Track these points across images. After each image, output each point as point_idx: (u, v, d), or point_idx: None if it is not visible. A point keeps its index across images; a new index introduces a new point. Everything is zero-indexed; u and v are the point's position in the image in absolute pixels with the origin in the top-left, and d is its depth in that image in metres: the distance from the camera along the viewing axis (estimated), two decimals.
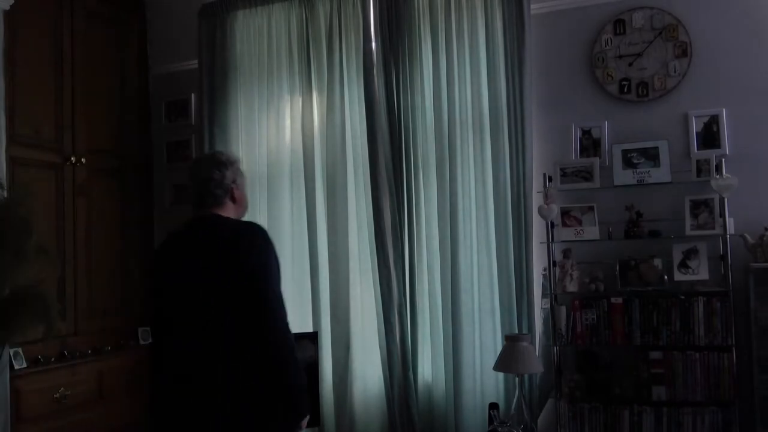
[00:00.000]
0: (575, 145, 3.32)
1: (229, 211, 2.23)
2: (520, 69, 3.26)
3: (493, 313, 3.32)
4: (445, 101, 3.42)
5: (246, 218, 3.45)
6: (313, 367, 3.24)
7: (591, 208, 3.16)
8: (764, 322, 2.83)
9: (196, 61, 4.01)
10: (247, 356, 2.02)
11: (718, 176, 2.96)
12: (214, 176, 2.19)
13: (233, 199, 2.25)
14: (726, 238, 2.96)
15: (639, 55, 3.25)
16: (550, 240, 3.20)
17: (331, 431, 3.56)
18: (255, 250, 2.08)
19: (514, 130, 3.26)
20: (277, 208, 3.78)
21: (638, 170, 3.12)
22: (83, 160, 3.72)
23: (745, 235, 2.93)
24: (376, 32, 3.56)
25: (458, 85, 3.42)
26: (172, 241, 2.26)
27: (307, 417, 2.14)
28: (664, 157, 3.11)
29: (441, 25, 3.46)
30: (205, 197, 2.19)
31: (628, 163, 3.16)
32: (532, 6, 3.31)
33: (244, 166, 3.88)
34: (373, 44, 3.58)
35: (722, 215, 2.96)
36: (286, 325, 2.07)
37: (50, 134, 3.57)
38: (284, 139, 3.83)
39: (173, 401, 2.09)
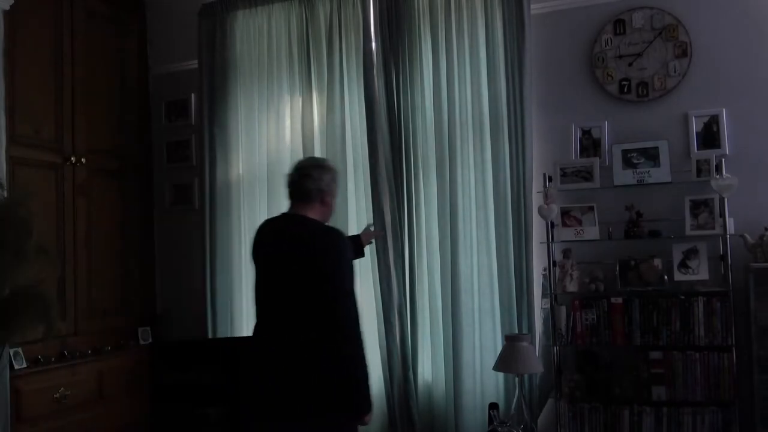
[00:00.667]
0: (575, 145, 3.31)
1: (315, 212, 2.39)
2: (520, 69, 3.26)
3: (493, 314, 3.32)
4: (445, 101, 3.42)
5: (249, 217, 3.52)
6: None
7: (591, 208, 3.16)
8: (764, 322, 2.83)
9: (196, 61, 4.01)
10: (318, 348, 2.21)
11: (718, 176, 2.95)
12: (313, 174, 2.39)
13: (323, 202, 2.41)
14: (726, 238, 2.96)
15: (639, 55, 3.25)
16: (550, 240, 3.20)
17: None
18: (331, 254, 2.27)
19: (514, 131, 3.26)
20: (276, 209, 3.77)
21: (638, 170, 3.12)
22: (83, 160, 3.72)
23: (745, 235, 2.93)
24: (376, 32, 3.56)
25: (458, 85, 3.42)
26: (265, 231, 2.48)
27: (371, 413, 2.30)
28: (664, 157, 3.11)
29: (441, 25, 3.45)
30: (298, 191, 2.39)
31: (628, 163, 3.16)
32: (532, 6, 3.31)
33: (243, 166, 3.94)
34: (373, 44, 3.58)
35: (722, 215, 2.96)
36: (356, 322, 2.26)
37: (50, 134, 3.57)
38: (284, 139, 3.83)
39: (254, 365, 2.33)
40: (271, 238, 2.43)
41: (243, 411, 2.32)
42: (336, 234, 2.36)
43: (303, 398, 2.20)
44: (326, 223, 2.44)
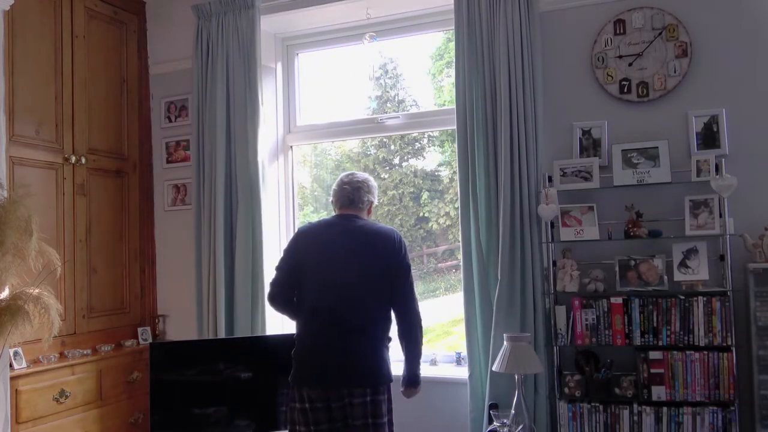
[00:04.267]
0: (575, 145, 3.31)
1: (364, 216, 2.86)
2: (532, 67, 3.25)
3: (493, 313, 3.31)
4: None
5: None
6: None
7: (591, 208, 3.16)
8: (764, 322, 2.83)
9: (195, 61, 4.00)
10: (382, 326, 2.69)
11: (718, 176, 2.95)
12: (363, 187, 2.84)
13: (369, 211, 2.89)
14: (726, 238, 2.96)
15: (639, 55, 3.25)
16: (549, 240, 3.20)
17: None
18: (397, 249, 2.72)
19: (516, 130, 3.25)
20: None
21: (638, 170, 3.12)
22: (83, 160, 3.73)
23: (745, 235, 2.94)
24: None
25: (464, 82, 3.40)
26: (327, 229, 2.81)
27: (419, 386, 2.80)
28: (664, 157, 3.11)
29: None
30: (353, 200, 2.82)
31: (628, 163, 3.16)
32: None
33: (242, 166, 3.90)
34: (368, 41, 3.57)
35: (722, 215, 2.96)
36: (418, 306, 2.76)
37: (50, 134, 3.58)
38: None
39: (308, 352, 2.68)
40: (340, 235, 2.74)
41: (304, 383, 2.65)
42: (395, 232, 2.79)
43: (367, 371, 2.61)
44: None
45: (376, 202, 2.92)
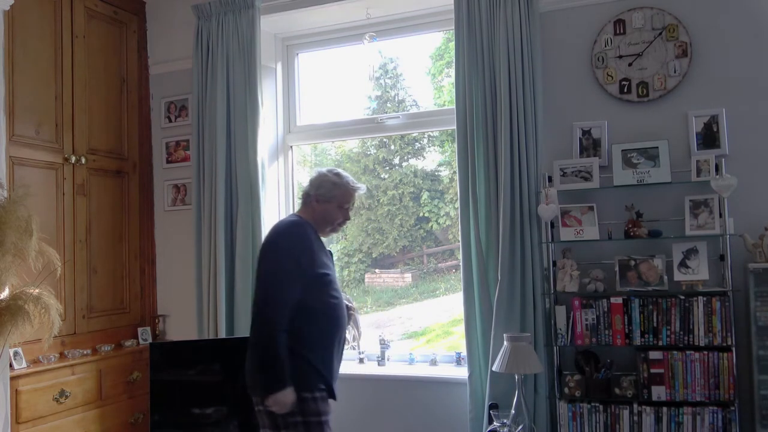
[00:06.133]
0: (575, 145, 3.31)
1: (308, 213, 2.69)
2: (532, 68, 3.25)
3: (493, 313, 3.31)
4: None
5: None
6: None
7: (591, 208, 3.16)
8: (764, 322, 2.83)
9: (195, 61, 4.00)
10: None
11: (718, 176, 2.95)
12: (310, 179, 2.73)
13: (312, 205, 2.69)
14: (726, 238, 2.96)
15: (639, 55, 3.25)
16: (549, 240, 3.20)
17: None
18: (265, 240, 2.62)
19: (516, 130, 3.25)
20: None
21: (638, 170, 3.12)
22: (83, 160, 3.73)
23: (745, 235, 2.94)
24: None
25: (465, 81, 3.40)
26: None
27: (274, 396, 2.41)
28: (664, 157, 3.11)
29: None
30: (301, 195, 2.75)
31: (628, 163, 3.15)
32: None
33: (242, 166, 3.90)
34: (367, 42, 3.57)
35: (722, 215, 2.96)
36: (265, 307, 2.47)
37: (50, 134, 3.58)
38: None
39: None
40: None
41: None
42: (280, 225, 2.64)
43: (252, 378, 2.51)
44: (302, 219, 2.65)
45: (324, 196, 2.66)
